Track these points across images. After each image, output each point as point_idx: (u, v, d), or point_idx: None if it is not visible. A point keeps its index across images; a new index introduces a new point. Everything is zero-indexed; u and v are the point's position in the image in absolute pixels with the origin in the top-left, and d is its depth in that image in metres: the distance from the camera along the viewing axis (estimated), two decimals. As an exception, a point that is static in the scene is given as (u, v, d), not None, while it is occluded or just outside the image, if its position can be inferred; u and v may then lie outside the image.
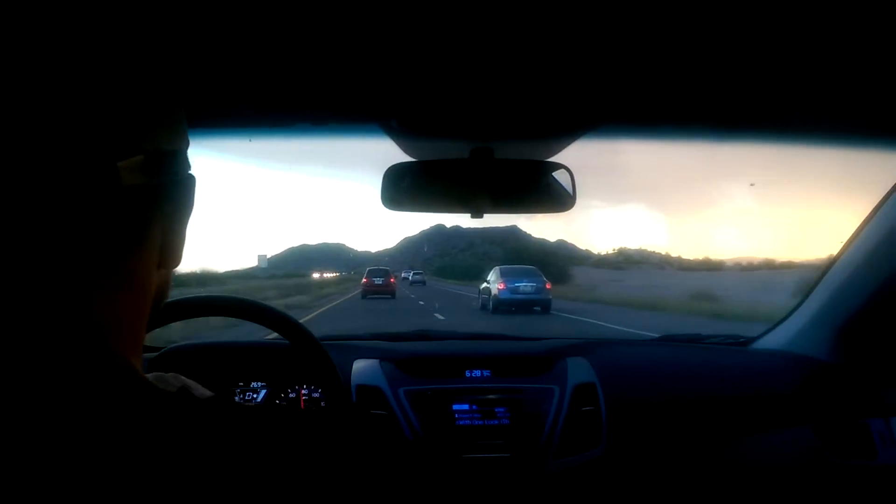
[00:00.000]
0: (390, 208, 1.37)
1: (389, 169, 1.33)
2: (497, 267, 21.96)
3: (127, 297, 0.47)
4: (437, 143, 1.36)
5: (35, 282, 0.42)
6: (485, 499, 1.57)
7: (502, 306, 18.66)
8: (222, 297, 1.32)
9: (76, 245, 0.43)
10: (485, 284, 21.70)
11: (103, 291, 0.45)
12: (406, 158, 1.37)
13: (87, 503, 0.37)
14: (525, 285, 19.45)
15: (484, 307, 20.44)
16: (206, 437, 0.42)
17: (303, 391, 1.71)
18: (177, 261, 0.53)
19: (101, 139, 0.42)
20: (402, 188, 1.36)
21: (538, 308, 19.08)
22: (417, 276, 66.58)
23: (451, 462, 1.54)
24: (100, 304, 0.45)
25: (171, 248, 0.51)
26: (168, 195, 0.49)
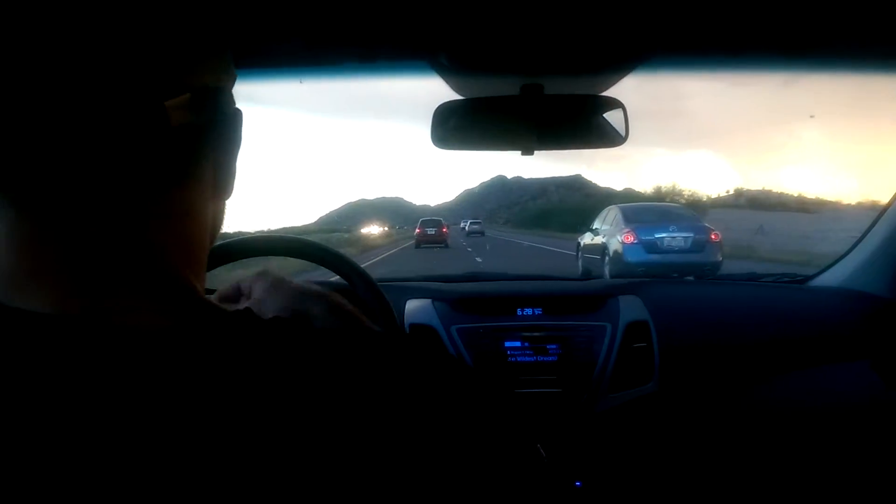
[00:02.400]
0: (440, 147, 1.38)
1: (439, 107, 1.33)
2: (615, 207, 13.42)
3: (182, 224, 0.49)
4: (487, 80, 1.36)
5: (94, 209, 0.44)
6: (538, 432, 1.60)
7: (635, 274, 10.15)
8: (282, 237, 1.35)
9: (131, 178, 0.45)
10: (593, 238, 13.27)
11: (158, 218, 0.47)
12: (456, 97, 1.37)
13: (143, 421, 0.38)
14: (674, 237, 11.55)
15: (590, 275, 10.99)
16: (265, 358, 0.43)
17: (358, 329, 1.75)
18: (228, 192, 0.55)
19: (148, 79, 0.43)
20: (451, 126, 1.37)
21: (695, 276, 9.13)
22: (475, 226, 59.21)
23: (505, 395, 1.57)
24: (155, 229, 0.46)
25: (221, 180, 0.53)
26: (216, 130, 0.50)
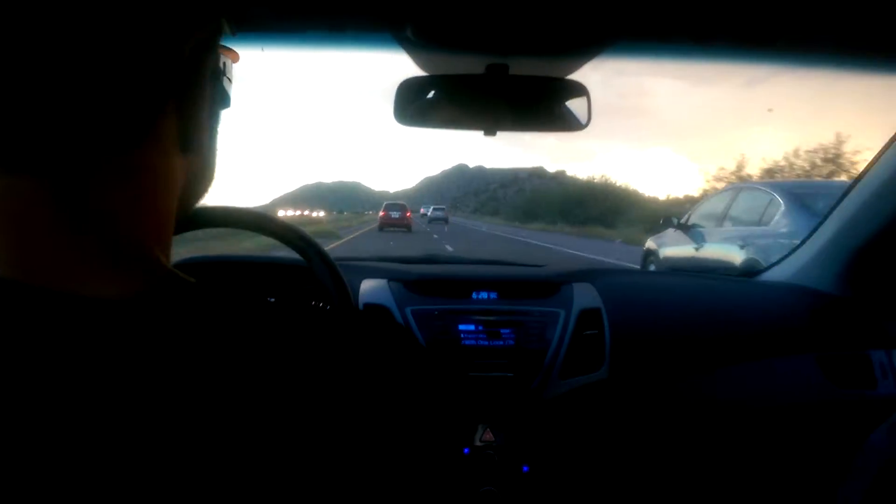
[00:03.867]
0: (402, 123, 1.36)
1: (403, 82, 1.31)
2: (765, 188, 7.11)
3: (136, 184, 0.45)
4: (452, 58, 1.33)
5: (37, 169, 0.41)
6: (488, 417, 1.60)
7: None
8: (241, 209, 1.32)
9: (75, 133, 0.41)
10: (702, 245, 7.29)
11: (108, 178, 0.44)
12: (421, 74, 1.34)
13: (105, 397, 0.37)
14: None
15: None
16: (226, 325, 0.42)
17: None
18: (200, 147, 0.51)
19: (97, 25, 0.40)
20: (415, 103, 1.35)
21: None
22: (438, 213, 56.39)
23: (456, 378, 1.56)
24: (103, 190, 0.43)
25: (188, 135, 0.49)
26: (176, 80, 0.46)
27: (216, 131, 0.54)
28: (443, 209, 61.54)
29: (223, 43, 0.56)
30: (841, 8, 1.03)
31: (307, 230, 1.30)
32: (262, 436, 0.38)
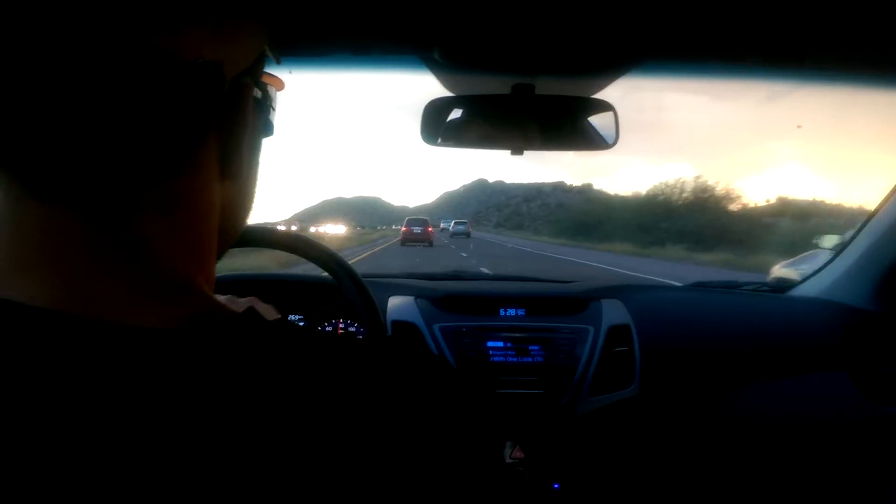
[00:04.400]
0: (429, 143, 1.37)
1: (430, 102, 1.32)
2: None
3: (177, 213, 0.45)
4: (479, 78, 1.35)
5: (80, 198, 0.41)
6: (518, 434, 1.60)
7: None
8: (276, 230, 1.34)
9: (120, 164, 0.41)
10: None
11: (149, 207, 0.44)
12: (447, 95, 1.36)
13: (148, 427, 0.37)
14: None
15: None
16: (271, 358, 0.42)
17: (340, 324, 1.74)
18: (240, 172, 0.51)
19: (134, 53, 0.40)
20: (441, 122, 1.36)
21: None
22: (460, 227, 55.36)
23: (485, 396, 1.56)
24: (145, 219, 0.43)
25: (229, 161, 0.49)
26: (217, 108, 0.46)
27: (257, 159, 0.54)
28: (465, 223, 60.53)
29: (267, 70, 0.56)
30: (870, 24, 1.02)
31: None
32: (303, 471, 0.38)
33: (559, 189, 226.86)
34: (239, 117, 0.49)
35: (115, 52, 0.39)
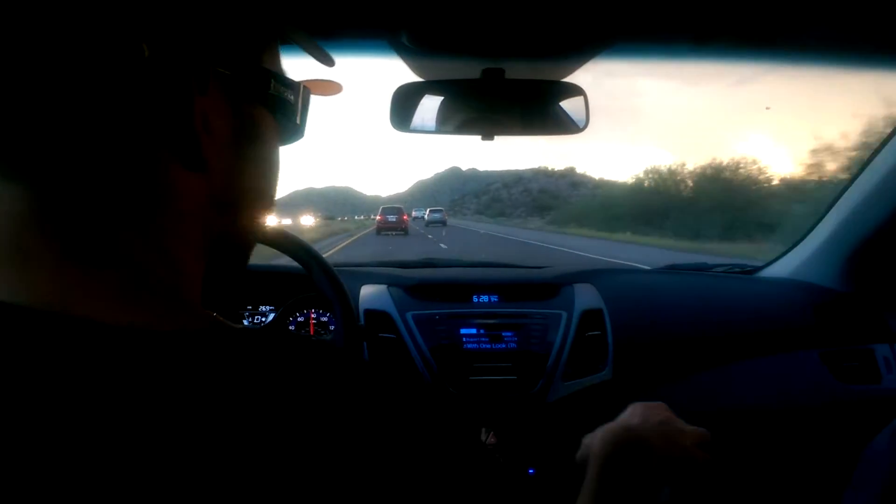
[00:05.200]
0: (399, 129, 1.35)
1: (399, 88, 1.30)
2: None
3: (147, 206, 0.44)
4: (448, 63, 1.33)
5: (56, 196, 0.41)
6: (492, 421, 1.59)
7: None
8: None
9: (96, 161, 0.41)
10: None
11: (116, 202, 0.43)
12: (416, 79, 1.34)
13: (144, 424, 0.36)
14: None
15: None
16: (257, 363, 0.42)
17: (312, 315, 1.72)
18: (205, 164, 0.47)
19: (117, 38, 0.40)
20: (411, 108, 1.34)
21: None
22: (436, 215, 54.24)
23: (459, 385, 1.56)
24: (113, 217, 0.43)
25: (184, 147, 0.46)
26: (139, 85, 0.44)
27: (249, 154, 0.52)
28: (441, 211, 59.59)
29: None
30: (840, 3, 1.02)
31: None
32: (279, 471, 0.37)
33: (541, 174, 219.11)
34: (188, 106, 0.46)
35: (46, 28, 0.39)
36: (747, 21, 1.09)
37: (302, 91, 0.57)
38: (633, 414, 0.96)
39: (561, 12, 1.09)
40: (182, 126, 0.46)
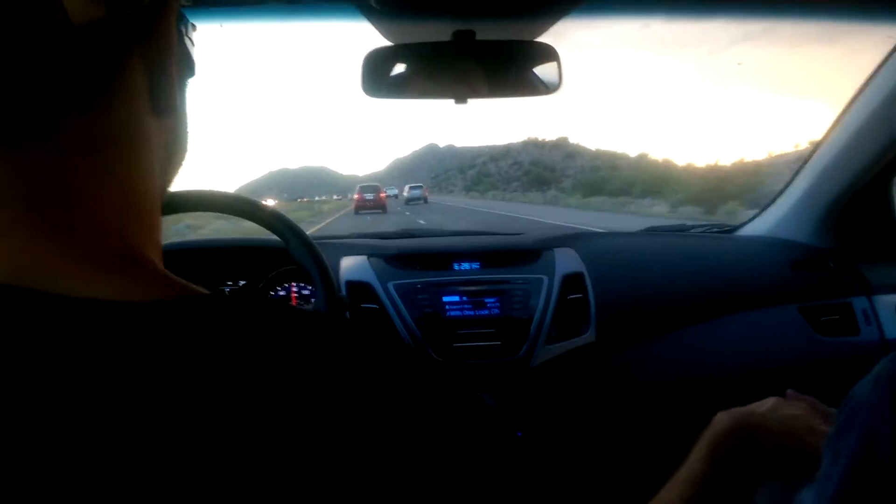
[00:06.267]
0: (371, 95, 1.34)
1: (369, 53, 1.28)
2: None
3: (107, 156, 0.40)
4: (418, 26, 1.31)
5: None
6: (477, 386, 1.60)
7: None
8: (215, 192, 1.30)
9: (26, 101, 0.36)
10: None
11: (72, 151, 0.38)
12: (386, 44, 1.32)
13: (125, 403, 0.33)
14: None
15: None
16: (244, 334, 0.38)
17: (293, 287, 1.71)
18: (171, 108, 0.44)
19: None
20: (383, 73, 1.33)
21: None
22: (416, 192, 51.97)
23: (444, 351, 1.56)
24: (69, 166, 0.38)
25: (159, 93, 0.43)
26: (139, 28, 0.40)
27: (184, 95, 0.48)
28: (420, 187, 56.38)
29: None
30: None
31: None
32: (267, 444, 0.34)
33: (531, 145, 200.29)
34: (165, 39, 0.43)
35: None
36: None
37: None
38: (765, 403, 0.90)
39: None
40: (158, 66, 0.43)
